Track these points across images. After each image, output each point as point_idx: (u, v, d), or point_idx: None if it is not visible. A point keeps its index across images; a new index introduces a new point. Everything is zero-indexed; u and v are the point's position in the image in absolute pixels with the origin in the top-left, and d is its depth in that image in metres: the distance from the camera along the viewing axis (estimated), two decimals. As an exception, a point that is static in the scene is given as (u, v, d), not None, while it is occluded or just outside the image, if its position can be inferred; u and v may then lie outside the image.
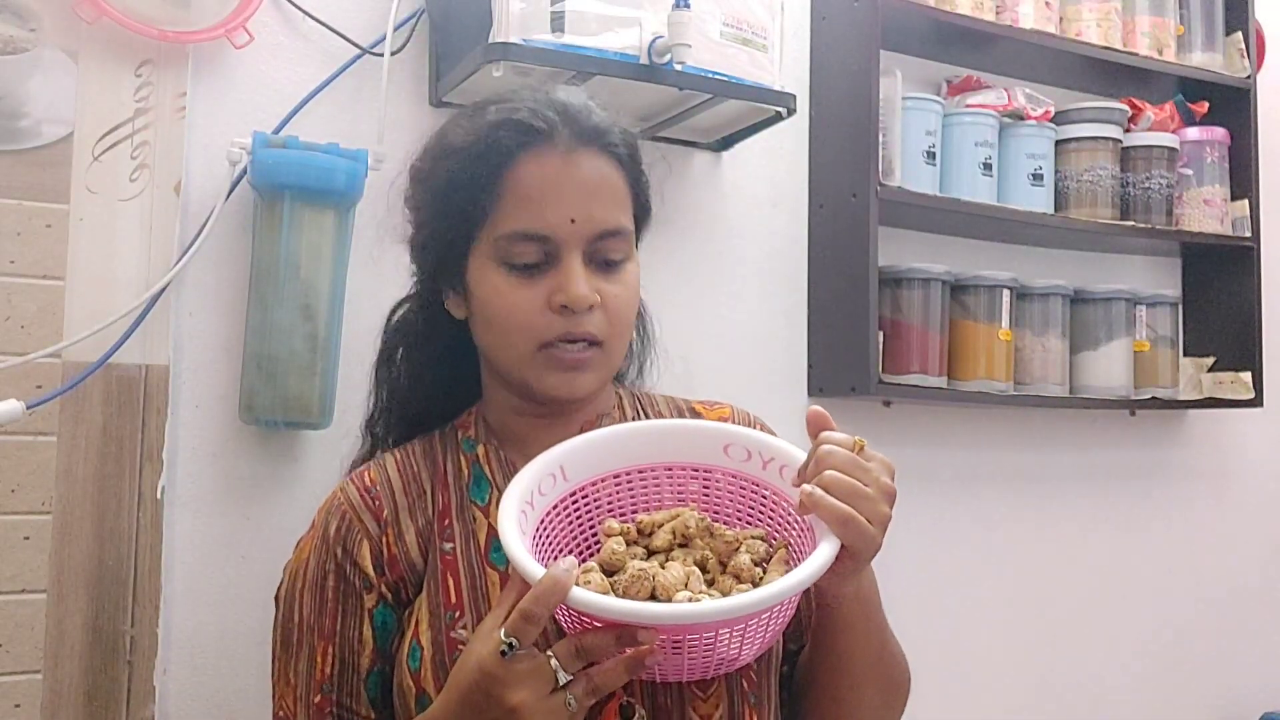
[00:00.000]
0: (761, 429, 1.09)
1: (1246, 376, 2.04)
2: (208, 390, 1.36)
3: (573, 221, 0.96)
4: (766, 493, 0.96)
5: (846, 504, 0.84)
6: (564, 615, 0.85)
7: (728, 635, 0.83)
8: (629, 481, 0.97)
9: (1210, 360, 2.10)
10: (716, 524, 0.94)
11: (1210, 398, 2.07)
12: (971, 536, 1.94)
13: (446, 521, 0.99)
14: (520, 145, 0.97)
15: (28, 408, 1.24)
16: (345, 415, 1.35)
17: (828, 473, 0.86)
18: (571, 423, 1.04)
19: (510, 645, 0.81)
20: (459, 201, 0.98)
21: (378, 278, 1.43)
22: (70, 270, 1.29)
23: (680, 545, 0.93)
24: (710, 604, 0.81)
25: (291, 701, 0.98)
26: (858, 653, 0.98)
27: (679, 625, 0.81)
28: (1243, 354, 2.06)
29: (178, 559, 1.34)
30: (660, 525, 0.94)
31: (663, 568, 0.88)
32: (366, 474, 1.03)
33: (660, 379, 1.20)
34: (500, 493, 0.99)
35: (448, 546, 0.98)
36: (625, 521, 0.95)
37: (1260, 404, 2.05)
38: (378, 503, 1.00)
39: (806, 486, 0.86)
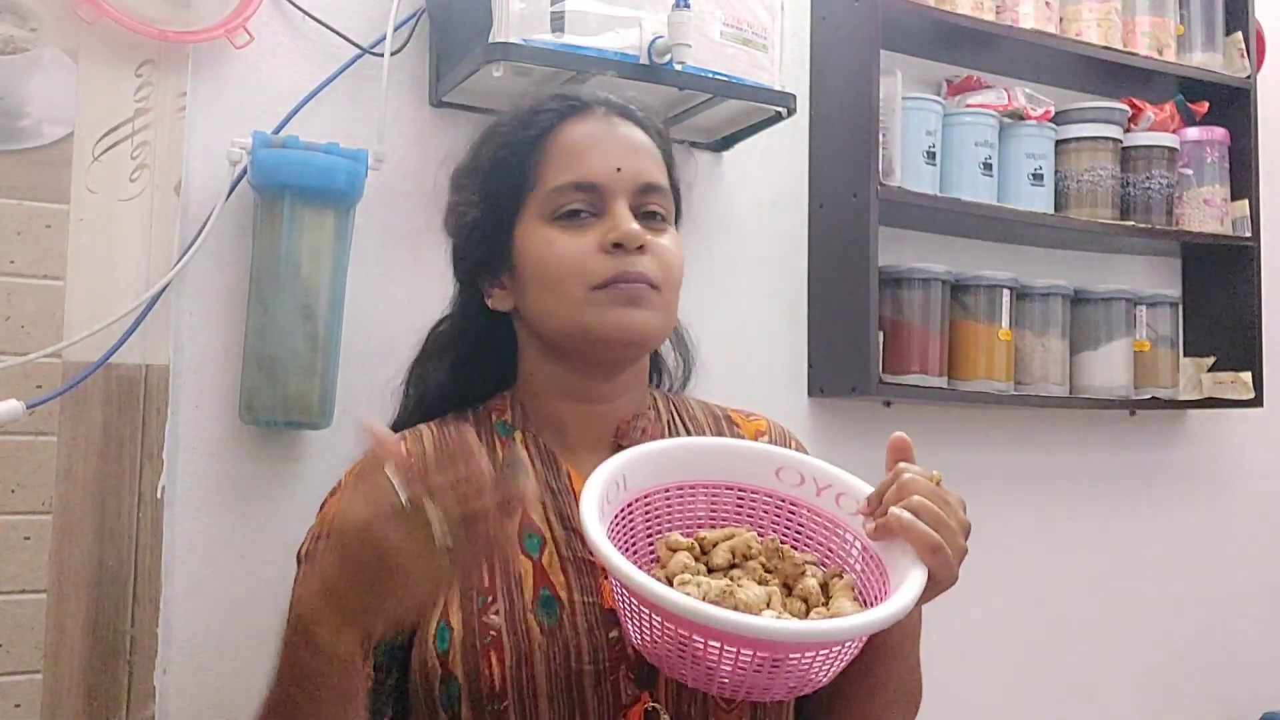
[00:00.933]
0: (796, 445, 1.10)
1: (1246, 376, 2.04)
2: (208, 390, 1.36)
3: (619, 170, 1.00)
4: (819, 519, 0.95)
5: (936, 532, 0.84)
6: (646, 624, 0.82)
7: (825, 655, 0.81)
8: (665, 496, 0.96)
9: (1210, 360, 2.09)
10: (785, 545, 0.93)
11: (1210, 398, 2.07)
12: (971, 536, 1.94)
13: None
14: (563, 114, 1.03)
15: (28, 408, 1.23)
16: (345, 415, 1.35)
17: (915, 498, 0.86)
18: (608, 413, 1.04)
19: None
20: (506, 171, 1.02)
21: (378, 278, 1.44)
22: (70, 270, 1.29)
23: (733, 566, 0.91)
24: (852, 620, 0.79)
25: None
26: (894, 679, 0.99)
27: (800, 643, 0.78)
28: (1243, 354, 2.06)
29: (178, 559, 1.34)
30: (716, 544, 0.92)
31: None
32: (403, 444, 1.02)
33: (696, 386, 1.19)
34: (537, 480, 1.00)
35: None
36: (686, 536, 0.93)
37: (1260, 404, 2.04)
38: None
39: (895, 509, 0.86)
